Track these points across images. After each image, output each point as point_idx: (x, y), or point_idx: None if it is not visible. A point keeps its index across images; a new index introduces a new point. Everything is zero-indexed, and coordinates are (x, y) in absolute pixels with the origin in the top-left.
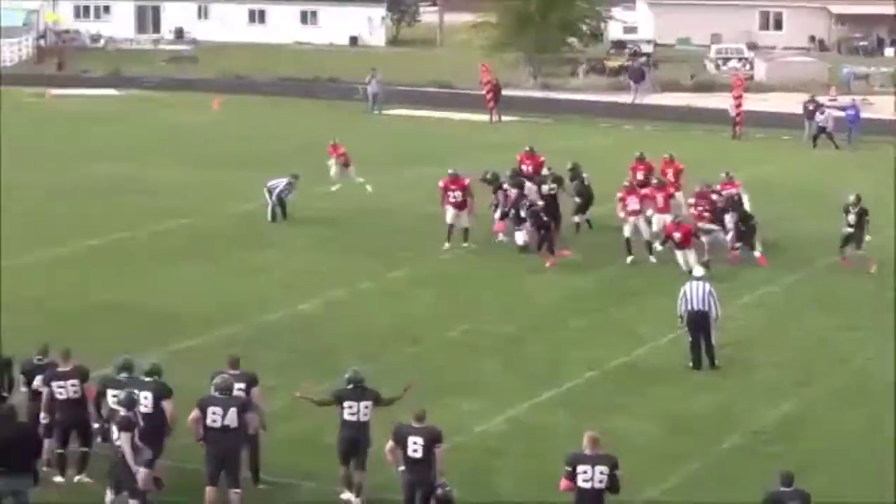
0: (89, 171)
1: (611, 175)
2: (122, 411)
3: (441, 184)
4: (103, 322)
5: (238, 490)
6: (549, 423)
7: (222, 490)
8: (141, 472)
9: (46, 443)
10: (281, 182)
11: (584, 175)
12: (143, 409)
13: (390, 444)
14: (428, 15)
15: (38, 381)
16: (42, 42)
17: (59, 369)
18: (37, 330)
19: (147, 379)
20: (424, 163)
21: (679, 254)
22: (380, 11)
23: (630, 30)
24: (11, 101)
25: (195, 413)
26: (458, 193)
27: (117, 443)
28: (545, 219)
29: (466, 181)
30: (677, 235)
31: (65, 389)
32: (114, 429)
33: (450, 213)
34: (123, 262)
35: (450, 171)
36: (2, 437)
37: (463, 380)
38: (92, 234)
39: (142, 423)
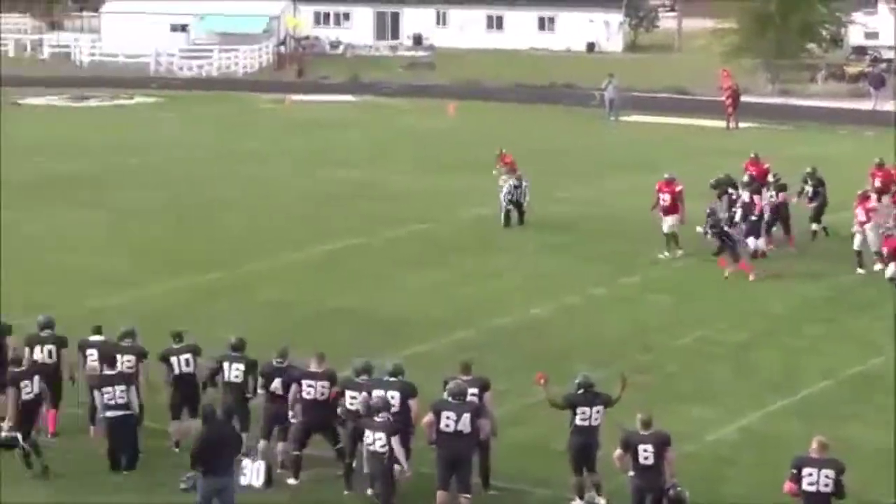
0: (326, 177)
1: (848, 183)
2: (379, 416)
3: (656, 186)
4: (337, 326)
5: (468, 495)
6: (783, 432)
7: (453, 494)
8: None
9: (280, 445)
10: (508, 185)
11: (821, 179)
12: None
13: (618, 451)
14: (666, 20)
15: (276, 384)
16: (282, 49)
17: (311, 369)
18: (276, 333)
19: (392, 379)
20: (658, 169)
21: (892, 266)
22: (618, 17)
23: (871, 35)
24: (250, 108)
25: (429, 417)
26: (667, 197)
27: (381, 449)
28: (725, 228)
29: (678, 187)
30: (885, 250)
31: (314, 390)
32: (378, 435)
33: (663, 219)
34: (359, 267)
35: (666, 174)
36: (206, 438)
37: (694, 387)
38: (328, 240)
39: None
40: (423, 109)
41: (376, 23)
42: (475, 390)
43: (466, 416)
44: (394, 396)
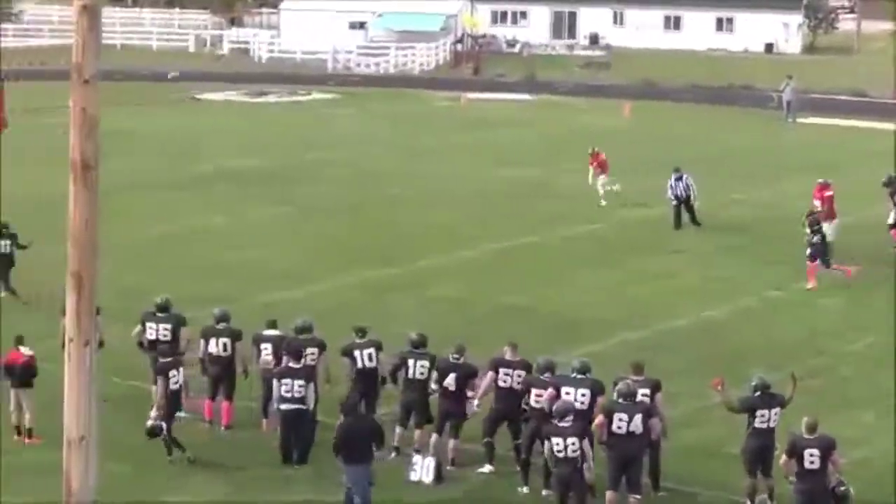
0: (501, 175)
1: None
2: (564, 421)
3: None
4: (511, 324)
5: (639, 495)
6: None
7: (623, 494)
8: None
9: (452, 442)
10: (670, 179)
11: None
12: (578, 405)
13: (784, 458)
14: (845, 22)
15: (449, 379)
16: (459, 47)
17: (507, 358)
18: (449, 329)
19: (580, 376)
20: (835, 172)
21: None
22: (796, 18)
23: None
24: (426, 105)
25: (600, 419)
26: (818, 203)
27: (572, 454)
28: (820, 226)
29: (828, 192)
30: None
31: (510, 378)
32: (571, 440)
33: None
34: (532, 265)
35: (820, 179)
36: (347, 429)
37: (867, 393)
38: (502, 237)
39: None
40: (598, 109)
41: (553, 22)
42: (646, 391)
43: (638, 417)
44: (584, 394)
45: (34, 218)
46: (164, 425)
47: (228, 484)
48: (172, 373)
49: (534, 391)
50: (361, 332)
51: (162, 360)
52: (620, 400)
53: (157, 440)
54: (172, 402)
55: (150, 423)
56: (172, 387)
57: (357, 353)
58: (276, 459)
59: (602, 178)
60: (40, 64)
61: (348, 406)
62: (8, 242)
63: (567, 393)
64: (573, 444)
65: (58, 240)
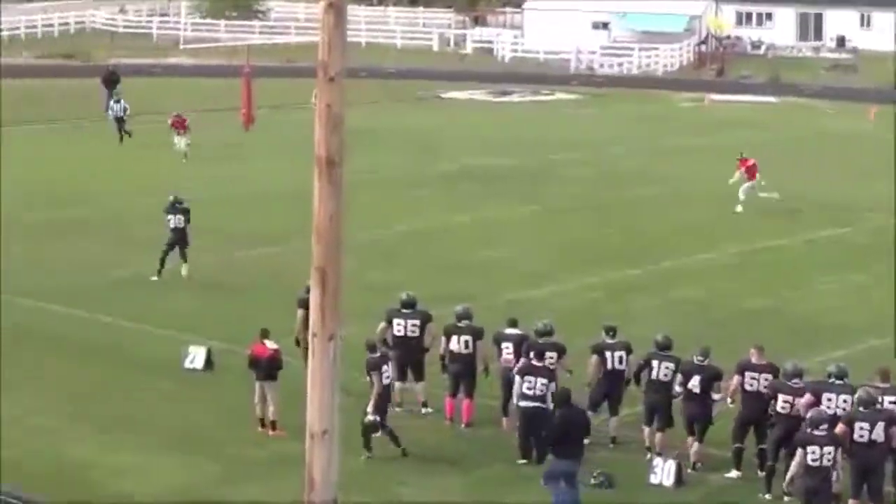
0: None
1: None
2: (819, 430)
3: None
4: (753, 327)
5: None
6: None
7: (864, 503)
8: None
9: (695, 445)
10: None
11: None
12: (839, 411)
13: None
14: None
15: (694, 381)
16: (702, 48)
17: (753, 361)
18: (691, 331)
19: (839, 382)
20: None
21: None
22: None
23: None
24: (669, 106)
25: (842, 427)
26: None
27: (827, 463)
28: None
29: None
30: None
31: (756, 382)
32: (827, 449)
33: None
34: (775, 268)
35: None
36: (559, 422)
37: None
38: (744, 240)
39: None
40: (843, 112)
41: (799, 24)
42: (893, 399)
43: (880, 426)
44: (846, 400)
45: (280, 213)
46: (378, 419)
47: (467, 481)
48: (384, 368)
49: (781, 397)
50: (612, 331)
51: (372, 355)
52: (861, 408)
53: (379, 435)
54: (384, 396)
55: (367, 418)
56: (384, 381)
57: (608, 353)
58: (516, 458)
59: (747, 185)
60: (286, 61)
61: (561, 398)
62: (182, 217)
63: (829, 399)
64: (829, 453)
65: (302, 235)
